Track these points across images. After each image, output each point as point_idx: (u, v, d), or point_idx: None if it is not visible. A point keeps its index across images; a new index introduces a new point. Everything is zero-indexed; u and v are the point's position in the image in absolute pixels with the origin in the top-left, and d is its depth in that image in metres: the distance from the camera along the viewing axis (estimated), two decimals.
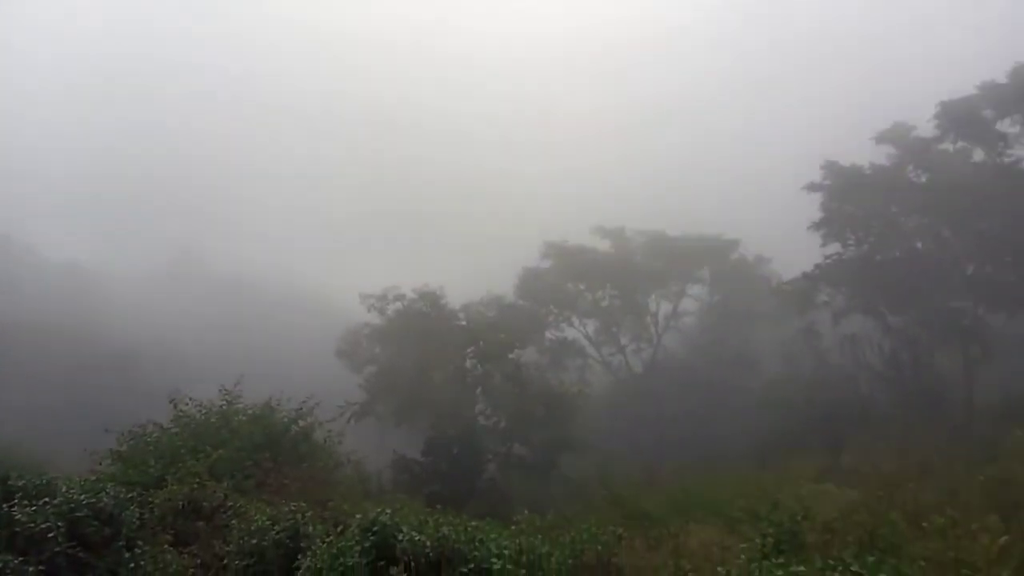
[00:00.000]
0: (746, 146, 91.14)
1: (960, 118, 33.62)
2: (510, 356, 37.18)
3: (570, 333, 52.26)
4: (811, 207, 38.50)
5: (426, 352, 38.89)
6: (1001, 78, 33.73)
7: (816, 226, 37.38)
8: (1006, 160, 33.89)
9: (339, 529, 10.10)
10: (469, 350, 37.15)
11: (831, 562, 9.73)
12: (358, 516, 10.16)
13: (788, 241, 44.42)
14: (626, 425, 44.64)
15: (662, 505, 16.95)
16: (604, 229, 54.22)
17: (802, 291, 37.26)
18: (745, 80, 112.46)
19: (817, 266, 37.14)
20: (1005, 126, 33.65)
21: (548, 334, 51.54)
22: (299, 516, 10.48)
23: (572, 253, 52.29)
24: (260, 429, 19.22)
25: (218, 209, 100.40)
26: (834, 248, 37.22)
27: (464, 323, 43.11)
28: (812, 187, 37.94)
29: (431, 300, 45.80)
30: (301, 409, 20.89)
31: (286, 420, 20.27)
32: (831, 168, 37.73)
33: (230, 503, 12.13)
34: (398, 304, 46.76)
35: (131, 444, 19.36)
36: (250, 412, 20.58)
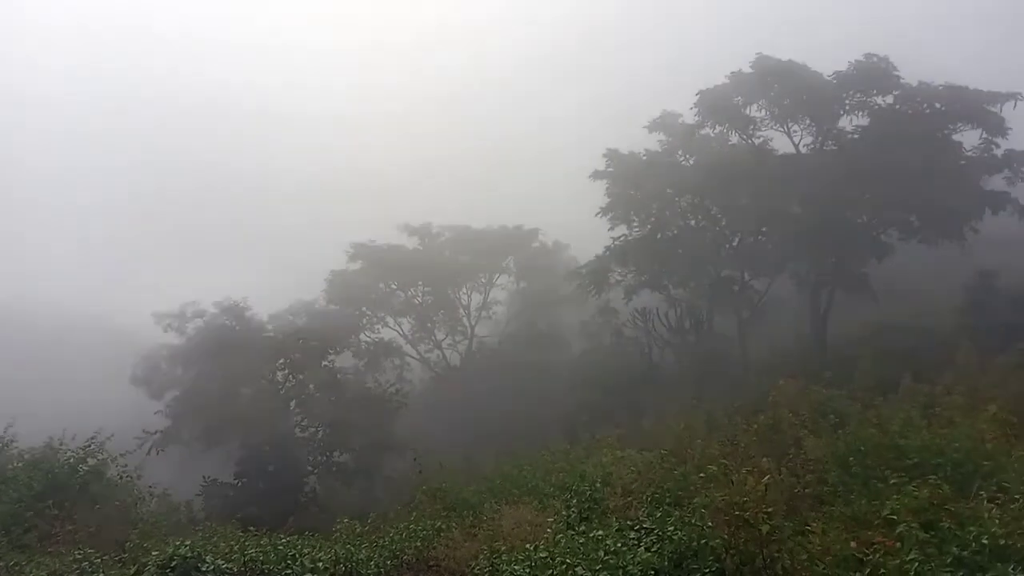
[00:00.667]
0: (538, 141, 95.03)
1: (715, 106, 37.55)
2: (324, 363, 36.40)
3: (386, 333, 52.03)
4: (600, 193, 41.22)
5: (233, 368, 37.01)
6: (748, 68, 38.01)
7: (603, 211, 40.13)
8: (756, 141, 38.37)
9: (134, 570, 9.55)
10: (280, 361, 35.79)
11: (628, 522, 10.80)
12: (154, 553, 9.67)
13: (583, 227, 47.17)
14: (447, 418, 45.35)
15: (480, 492, 17.50)
16: (410, 227, 54.49)
17: (596, 272, 39.85)
18: (538, 78, 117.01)
19: (607, 248, 39.89)
20: (753, 111, 38.00)
21: (363, 336, 50.89)
22: (86, 565, 9.77)
23: (381, 253, 52.03)
24: (41, 475, 17.54)
25: None
26: (621, 231, 40.18)
27: (272, 334, 41.54)
28: (597, 175, 40.67)
29: (235, 313, 43.80)
30: (89, 446, 19.27)
31: (72, 460, 18.59)
32: (612, 156, 40.67)
33: (1, 563, 11.00)
34: (199, 321, 44.20)
35: None
36: (27, 457, 18.77)
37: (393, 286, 52.57)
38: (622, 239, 39.94)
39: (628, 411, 32.30)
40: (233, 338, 41.79)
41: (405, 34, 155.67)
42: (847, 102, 36.55)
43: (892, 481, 11.08)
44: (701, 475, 12.46)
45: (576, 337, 49.65)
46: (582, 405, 37.14)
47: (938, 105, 35.36)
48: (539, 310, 53.28)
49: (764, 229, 38.33)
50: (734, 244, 39.45)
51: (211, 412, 34.79)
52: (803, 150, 38.19)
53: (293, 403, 35.01)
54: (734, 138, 39.04)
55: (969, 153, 35.29)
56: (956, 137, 35.46)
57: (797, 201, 36.73)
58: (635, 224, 40.04)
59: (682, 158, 40.63)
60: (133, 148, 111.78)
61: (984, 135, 34.74)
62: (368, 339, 50.82)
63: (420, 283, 52.78)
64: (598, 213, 40.43)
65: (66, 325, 74.13)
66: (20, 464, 18.12)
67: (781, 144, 38.82)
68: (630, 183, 40.00)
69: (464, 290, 53.99)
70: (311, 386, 35.32)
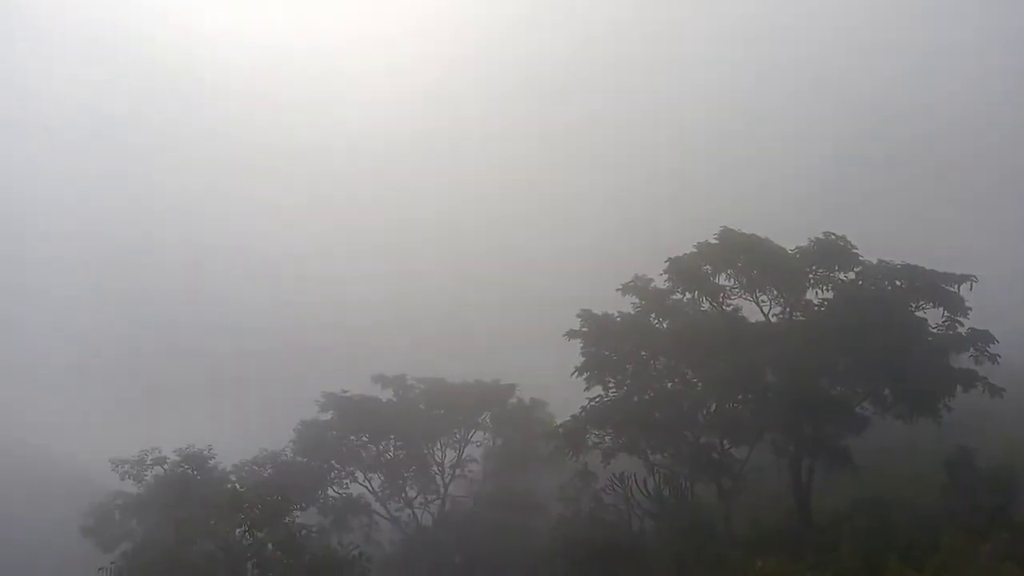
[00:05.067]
0: (514, 295, 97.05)
1: (685, 273, 38.88)
2: (286, 520, 34.70)
3: (355, 489, 50.13)
4: (576, 352, 41.39)
5: (189, 522, 35.21)
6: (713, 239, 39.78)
7: (579, 370, 40.14)
8: (727, 308, 39.36)
9: None
10: (239, 516, 34.11)
11: None
12: None
13: (559, 385, 47.00)
14: None
15: None
16: (384, 378, 53.98)
17: (573, 433, 39.18)
18: (516, 227, 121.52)
19: (583, 409, 39.52)
20: (722, 279, 39.31)
21: (331, 491, 49.06)
22: None
23: (353, 404, 51.15)
24: None
25: None
26: (597, 391, 39.97)
27: (235, 485, 39.97)
28: (572, 334, 41.07)
29: (197, 462, 42.53)
30: None
31: None
32: (586, 316, 41.29)
33: None
34: (158, 469, 42.63)
35: None
36: None
37: (365, 439, 51.20)
38: (598, 400, 39.68)
39: None
40: (193, 489, 40.16)
41: (379, 179, 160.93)
42: (811, 276, 37.98)
43: None
44: None
45: (553, 501, 48.00)
46: (558, 574, 35.37)
47: (898, 283, 36.85)
48: (516, 470, 51.77)
49: (740, 396, 38.37)
50: (711, 410, 39.27)
51: (160, 570, 32.68)
52: (772, 319, 39.12)
53: (250, 564, 33.00)
54: (705, 304, 40.01)
55: (934, 330, 36.28)
56: (919, 314, 36.61)
57: (771, 369, 37.09)
58: (611, 385, 39.88)
59: (656, 321, 41.35)
60: (107, 296, 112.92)
61: (946, 314, 35.91)
62: (336, 494, 49.00)
63: (392, 437, 51.51)
64: (573, 372, 40.44)
65: (23, 464, 71.24)
66: None
67: (751, 312, 39.88)
68: (605, 344, 40.34)
69: (438, 445, 52.64)
70: (270, 545, 33.46)
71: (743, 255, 38.51)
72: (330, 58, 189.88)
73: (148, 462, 42.82)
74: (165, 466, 42.38)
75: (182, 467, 42.42)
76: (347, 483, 50.02)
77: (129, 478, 43.25)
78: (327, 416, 51.22)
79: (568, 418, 40.82)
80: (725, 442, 38.77)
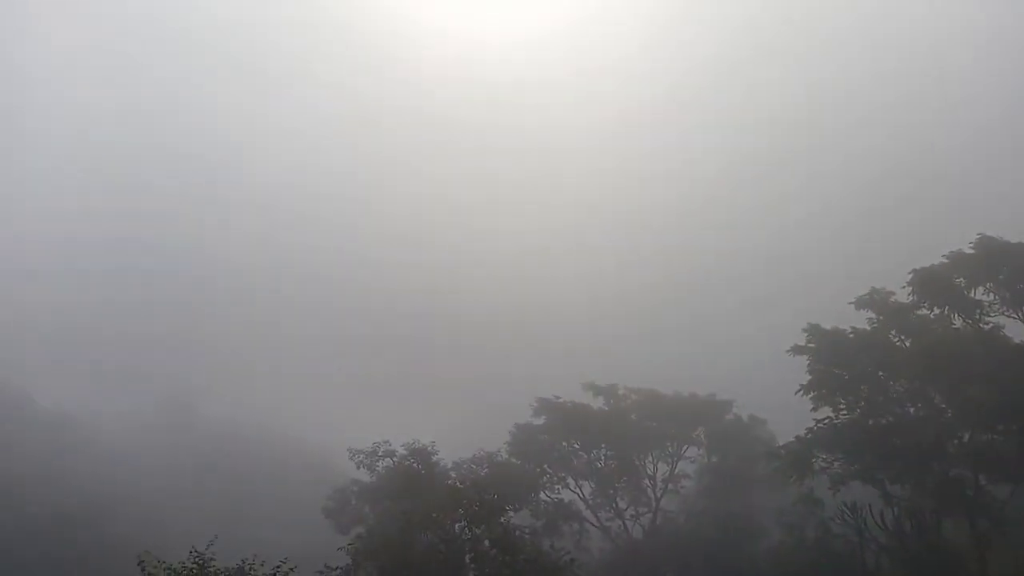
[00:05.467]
0: (733, 309, 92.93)
1: (933, 286, 34.66)
2: (501, 519, 35.84)
3: (566, 495, 50.66)
4: (802, 369, 38.61)
5: (413, 512, 37.52)
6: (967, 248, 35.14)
7: (804, 389, 37.30)
8: (985, 327, 34.50)
9: None
10: (458, 512, 35.80)
11: None
12: None
13: (782, 402, 44.18)
14: None
15: None
16: (596, 386, 53.88)
17: (798, 455, 36.52)
18: (732, 249, 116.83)
19: (809, 430, 36.67)
20: (978, 293, 34.59)
21: (543, 495, 49.94)
22: None
23: (565, 410, 51.70)
24: None
25: (210, 358, 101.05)
26: (826, 412, 36.92)
27: (454, 481, 41.96)
28: (797, 350, 38.27)
29: (422, 456, 44.85)
30: (275, 574, 20.17)
31: None
32: (814, 331, 38.25)
33: None
34: (388, 460, 45.72)
35: None
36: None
37: (576, 446, 51.59)
38: (827, 421, 36.59)
39: None
40: (418, 482, 42.66)
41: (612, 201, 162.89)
42: None
43: None
44: None
45: (773, 525, 45.06)
46: None
47: None
48: (732, 490, 49.30)
49: (1001, 427, 33.42)
50: (964, 440, 34.64)
51: (387, 555, 35.07)
52: None
53: (468, 557, 34.49)
54: (957, 321, 35.45)
55: None
56: None
57: None
58: (842, 407, 36.63)
59: (896, 339, 37.29)
60: (352, 297, 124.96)
61: None
62: (548, 499, 49.72)
63: (603, 446, 51.37)
64: (799, 391, 37.67)
65: (280, 447, 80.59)
66: None
67: (1015, 331, 34.67)
68: (836, 362, 37.12)
69: (650, 458, 51.66)
70: (486, 542, 34.72)
71: (1007, 266, 33.75)
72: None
73: (380, 454, 45.99)
74: (394, 458, 45.25)
75: (409, 460, 45.09)
76: (559, 488, 50.57)
77: (363, 467, 46.89)
78: (540, 421, 52.28)
79: (792, 439, 38.17)
80: (981, 478, 34.04)
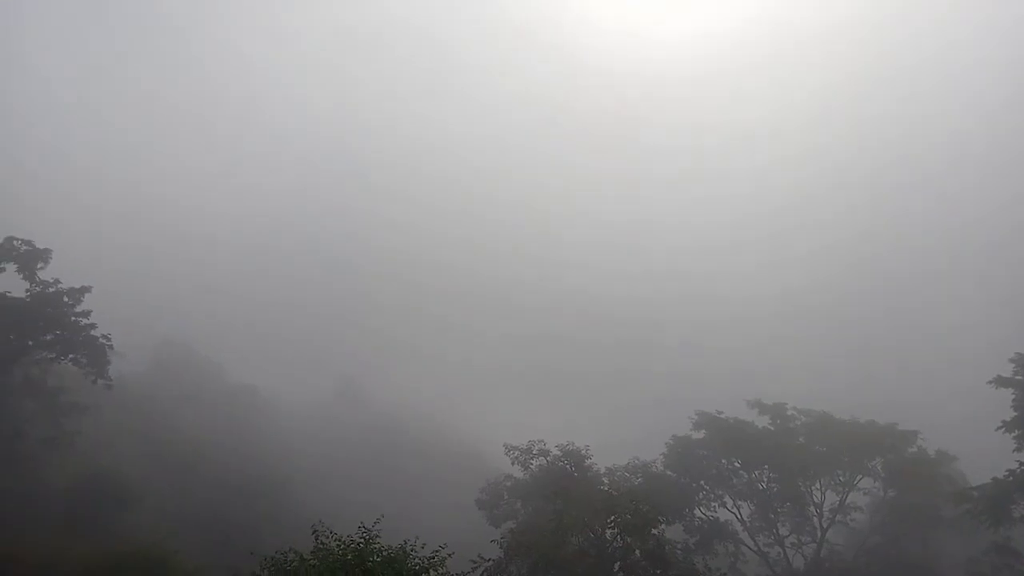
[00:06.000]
0: (921, 334, 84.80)
1: None
2: (653, 531, 34.97)
3: (723, 514, 48.56)
4: (1004, 404, 34.51)
5: (566, 514, 37.49)
6: None
7: (1008, 426, 33.20)
8: None
9: None
10: (610, 519, 35.35)
11: None
12: None
13: (977, 438, 39.76)
14: None
15: None
16: (762, 404, 51.27)
17: (994, 499, 32.64)
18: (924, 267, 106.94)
19: (1010, 472, 32.62)
20: None
21: (698, 512, 48.23)
22: None
23: (727, 426, 49.60)
24: (393, 573, 19.22)
25: (380, 351, 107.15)
26: None
27: (607, 488, 41.48)
28: (1000, 382, 34.11)
29: (575, 459, 44.76)
30: (434, 558, 20.85)
31: (419, 566, 20.22)
32: (1022, 362, 33.92)
33: None
34: (542, 459, 46.00)
35: (271, 570, 20.04)
36: (385, 553, 20.75)
37: (736, 464, 49.35)
38: None
39: None
40: (569, 484, 42.57)
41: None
42: None
43: None
44: None
45: (958, 574, 40.63)
46: None
47: None
48: (911, 529, 44.97)
49: None
50: None
51: (539, 553, 35.29)
52: None
53: (617, 565, 33.97)
54: None
55: None
56: None
57: None
58: None
59: None
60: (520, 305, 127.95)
61: None
62: (703, 516, 47.97)
63: (767, 467, 48.72)
64: (1000, 427, 33.62)
65: (439, 436, 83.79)
66: (378, 559, 20.14)
67: None
68: None
69: (817, 485, 48.29)
70: (637, 552, 34.01)
71: None
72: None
73: (534, 452, 46.40)
74: (548, 457, 45.50)
75: (562, 461, 45.17)
76: (715, 506, 48.67)
77: (517, 464, 47.54)
78: (699, 434, 50.55)
79: (987, 480, 34.17)
80: None
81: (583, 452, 45.70)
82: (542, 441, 46.77)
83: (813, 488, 48.31)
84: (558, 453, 45.58)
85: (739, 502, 48.95)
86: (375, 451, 73.98)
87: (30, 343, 42.20)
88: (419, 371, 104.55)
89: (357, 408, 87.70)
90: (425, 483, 69.57)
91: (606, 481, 46.12)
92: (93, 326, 43.07)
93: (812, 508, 47.99)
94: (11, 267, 42.99)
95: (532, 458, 46.52)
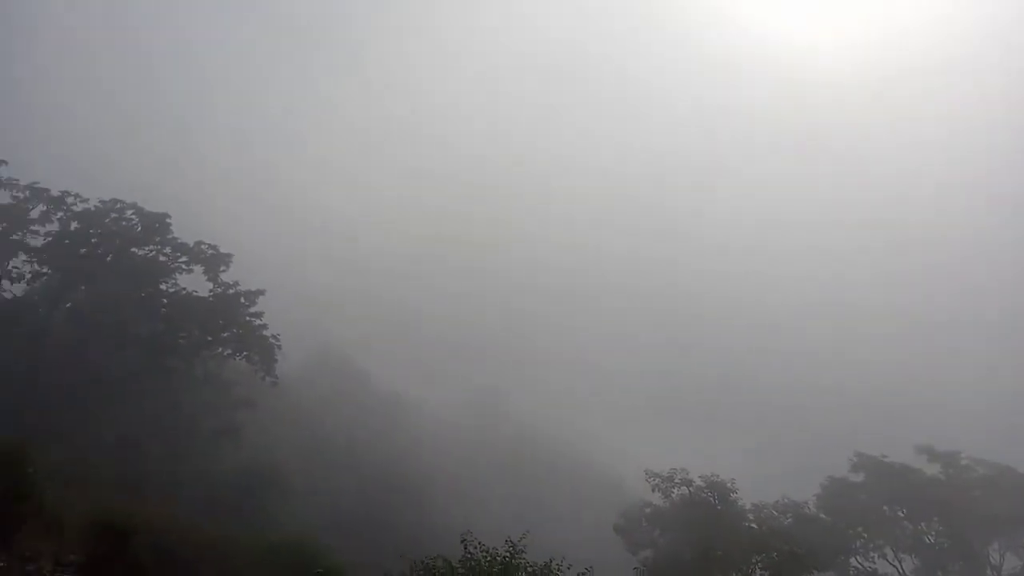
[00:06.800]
0: None
1: None
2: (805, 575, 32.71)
3: (882, 566, 44.79)
4: None
5: (709, 549, 35.91)
6: None
7: None
8: None
9: None
10: (757, 559, 33.45)
11: None
12: None
13: None
14: None
15: None
16: (933, 451, 46.92)
17: None
18: None
19: None
20: None
21: (853, 561, 44.79)
22: None
23: (891, 471, 45.80)
24: None
25: (523, 364, 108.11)
26: None
27: (754, 525, 39.44)
28: None
29: (720, 491, 43.07)
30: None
31: None
32: None
33: None
34: (684, 489, 44.53)
35: (420, 575, 20.48)
36: (530, 570, 20.65)
37: (900, 513, 45.40)
38: None
39: None
40: (713, 517, 40.84)
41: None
42: None
43: None
44: None
45: None
46: None
47: None
48: None
49: None
50: None
51: None
52: None
53: None
54: None
55: None
56: None
57: None
58: None
59: None
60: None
61: None
62: (859, 565, 44.56)
63: (936, 519, 44.47)
64: None
65: (577, 456, 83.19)
66: (524, 575, 20.09)
67: None
68: None
69: (996, 546, 43.54)
70: None
71: None
72: None
73: (676, 480, 45.00)
74: (691, 488, 43.91)
75: (705, 493, 43.47)
76: (874, 556, 44.97)
77: (658, 491, 46.19)
78: (858, 478, 47.03)
79: None
80: None
81: (728, 485, 43.84)
82: (685, 470, 45.37)
83: (991, 548, 43.61)
84: (701, 484, 43.99)
85: (901, 555, 44.92)
86: (513, 463, 74.57)
87: (210, 339, 46.03)
88: (562, 383, 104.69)
89: (498, 419, 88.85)
90: (561, 499, 69.21)
91: (751, 517, 43.98)
92: (265, 326, 46.40)
93: (989, 570, 43.23)
94: (198, 269, 47.29)
95: (674, 487, 45.23)
